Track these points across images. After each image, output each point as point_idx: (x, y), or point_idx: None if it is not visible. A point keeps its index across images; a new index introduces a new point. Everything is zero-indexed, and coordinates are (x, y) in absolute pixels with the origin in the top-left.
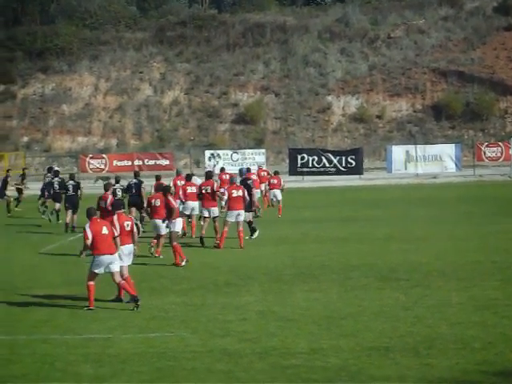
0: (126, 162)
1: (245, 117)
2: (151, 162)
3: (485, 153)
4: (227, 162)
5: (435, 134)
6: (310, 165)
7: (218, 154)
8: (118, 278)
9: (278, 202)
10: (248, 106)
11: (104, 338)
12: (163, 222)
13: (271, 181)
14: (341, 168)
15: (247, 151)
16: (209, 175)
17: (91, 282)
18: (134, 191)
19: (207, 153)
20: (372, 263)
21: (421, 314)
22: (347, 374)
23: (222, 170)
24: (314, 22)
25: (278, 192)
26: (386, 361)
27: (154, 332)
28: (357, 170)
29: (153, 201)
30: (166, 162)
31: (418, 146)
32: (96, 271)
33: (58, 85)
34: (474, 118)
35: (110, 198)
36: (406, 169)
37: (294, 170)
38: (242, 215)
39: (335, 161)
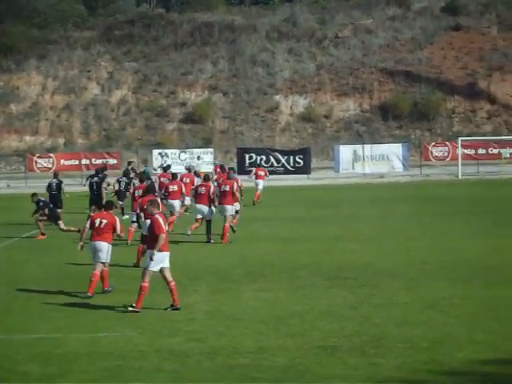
0: (73, 161)
1: (193, 116)
2: (98, 161)
3: (432, 152)
4: (175, 161)
5: (382, 134)
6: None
7: (166, 154)
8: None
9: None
10: (196, 106)
11: (52, 337)
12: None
13: (258, 172)
14: (289, 167)
15: (195, 150)
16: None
17: (146, 284)
18: (53, 191)
19: (155, 152)
20: (320, 262)
21: (368, 314)
22: (295, 373)
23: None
24: (261, 22)
25: (261, 182)
26: (333, 360)
27: (103, 332)
28: (305, 170)
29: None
30: (113, 162)
31: (366, 145)
32: (154, 270)
33: (5, 84)
34: (421, 118)
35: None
36: (353, 168)
37: (242, 170)
38: (228, 210)
39: (283, 160)
